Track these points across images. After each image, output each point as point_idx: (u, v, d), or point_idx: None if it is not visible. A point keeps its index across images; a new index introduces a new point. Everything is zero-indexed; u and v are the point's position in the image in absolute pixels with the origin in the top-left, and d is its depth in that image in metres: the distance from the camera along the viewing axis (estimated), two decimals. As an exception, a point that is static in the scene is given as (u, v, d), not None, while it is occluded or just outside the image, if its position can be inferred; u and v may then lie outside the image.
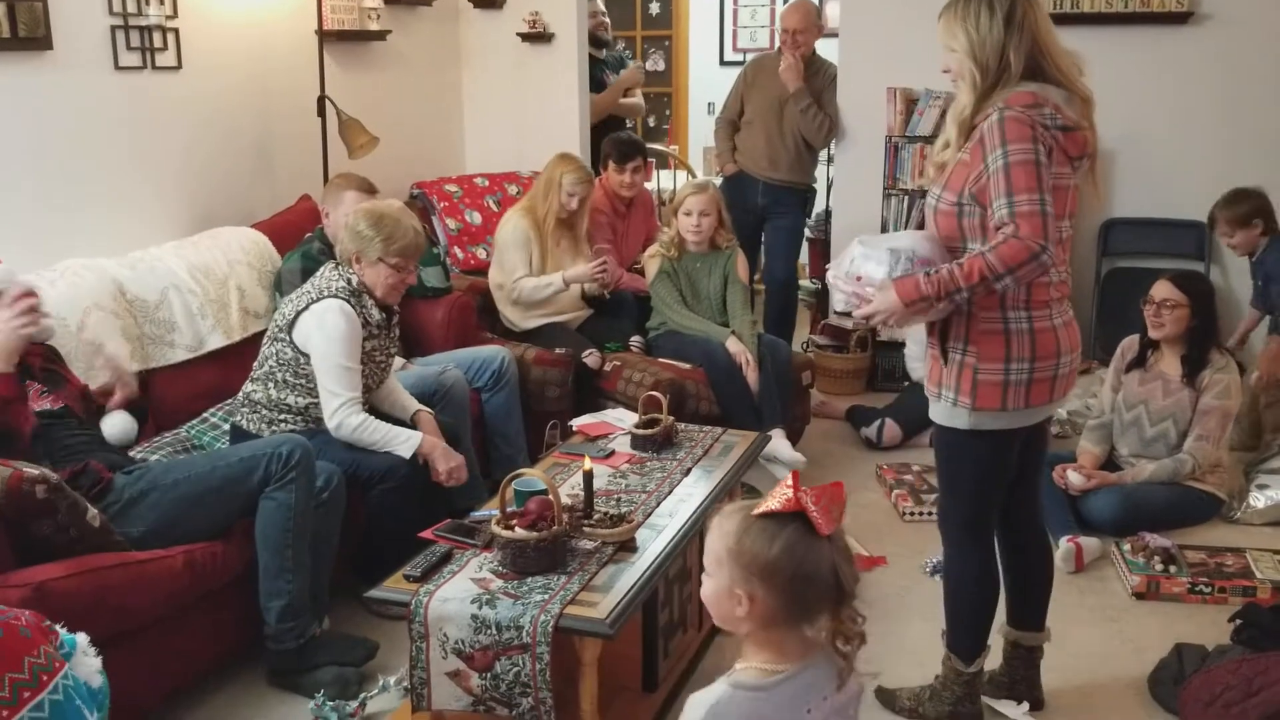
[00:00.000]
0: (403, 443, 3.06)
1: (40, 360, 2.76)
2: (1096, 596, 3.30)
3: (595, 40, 5.53)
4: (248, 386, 3.16)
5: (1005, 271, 2.18)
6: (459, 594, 2.33)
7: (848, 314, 2.46)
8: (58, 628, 1.65)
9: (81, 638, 1.67)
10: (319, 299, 3.03)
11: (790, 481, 1.52)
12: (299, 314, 3.04)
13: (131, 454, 2.95)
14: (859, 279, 2.33)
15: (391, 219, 3.09)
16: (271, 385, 3.09)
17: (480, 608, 2.28)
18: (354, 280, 3.08)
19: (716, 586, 1.55)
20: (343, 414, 2.99)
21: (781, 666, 1.54)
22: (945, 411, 2.42)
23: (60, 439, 2.69)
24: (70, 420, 2.76)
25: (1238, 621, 2.87)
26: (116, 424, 2.78)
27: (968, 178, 2.29)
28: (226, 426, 3.29)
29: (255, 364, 3.16)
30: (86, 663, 1.64)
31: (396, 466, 3.05)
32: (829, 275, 2.45)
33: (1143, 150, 4.88)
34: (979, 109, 2.29)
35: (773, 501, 1.52)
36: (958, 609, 2.58)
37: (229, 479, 2.72)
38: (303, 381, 3.07)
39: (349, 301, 3.03)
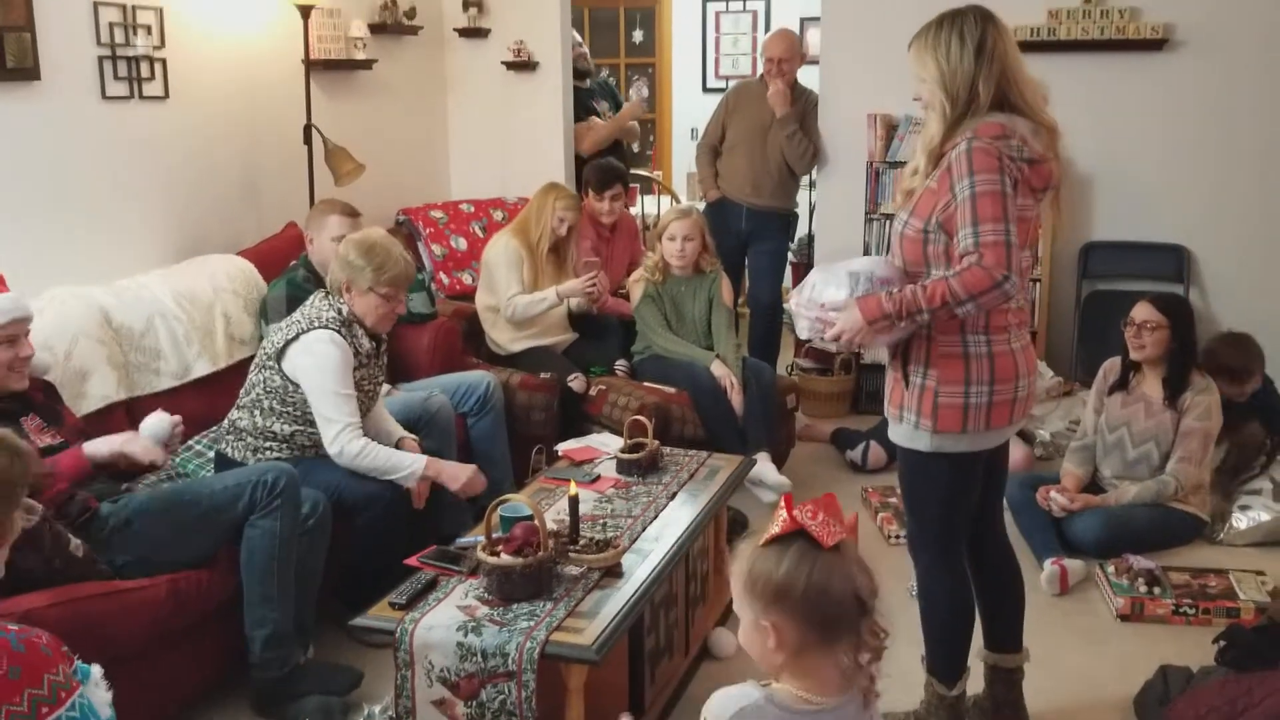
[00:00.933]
0: (406, 469, 3.05)
1: (41, 395, 2.77)
2: (1081, 618, 3.31)
3: (576, 72, 5.57)
4: (233, 414, 3.16)
5: (967, 298, 2.20)
6: (444, 621, 2.33)
7: (809, 340, 2.48)
8: (75, 655, 1.67)
9: (96, 669, 1.69)
10: (309, 329, 3.03)
11: (784, 505, 1.53)
12: (288, 343, 3.04)
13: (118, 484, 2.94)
14: (822, 305, 2.36)
15: (382, 249, 3.10)
16: (258, 413, 3.09)
17: (466, 635, 2.28)
18: (344, 310, 3.08)
19: (745, 626, 1.55)
20: (344, 439, 2.99)
21: (819, 699, 1.52)
22: (907, 434, 2.43)
23: None
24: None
25: (1222, 643, 2.89)
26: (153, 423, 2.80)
27: (935, 205, 2.31)
28: (212, 454, 3.28)
29: (242, 391, 3.16)
30: (99, 694, 1.66)
31: (381, 493, 3.04)
32: (791, 304, 2.47)
33: (1121, 174, 4.94)
34: (948, 138, 2.31)
35: (774, 527, 1.53)
36: (934, 632, 2.59)
37: (214, 507, 2.71)
38: (290, 409, 3.07)
39: (340, 331, 3.04)
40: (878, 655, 1.53)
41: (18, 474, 1.73)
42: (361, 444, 3.01)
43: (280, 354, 3.05)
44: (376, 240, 3.14)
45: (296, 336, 3.03)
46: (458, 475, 3.12)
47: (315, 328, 3.03)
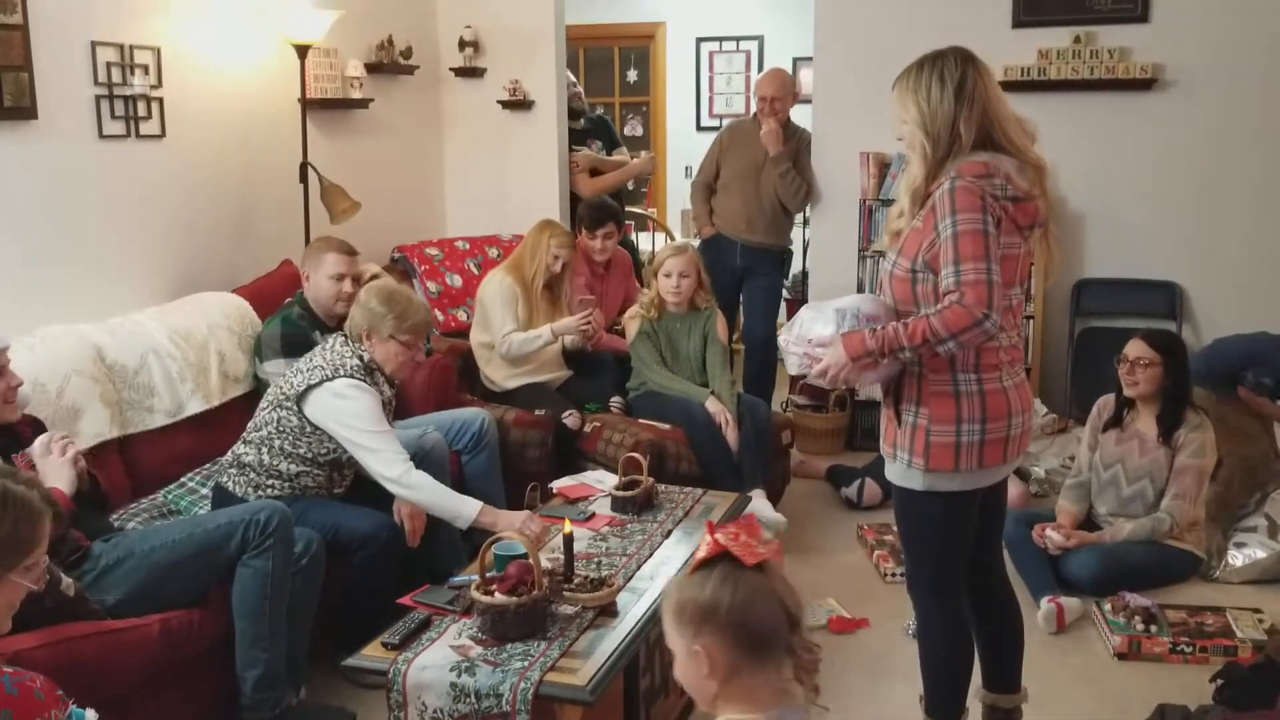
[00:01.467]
0: (460, 512, 3.01)
1: (29, 431, 2.76)
2: (1078, 657, 3.29)
3: (570, 111, 5.63)
4: (239, 448, 3.14)
5: (948, 336, 2.21)
6: (438, 661, 2.31)
7: (801, 377, 2.50)
8: (69, 700, 1.66)
9: (90, 714, 1.67)
10: (334, 376, 3.03)
11: (706, 531, 1.58)
12: (310, 388, 3.03)
13: (110, 520, 2.92)
14: (809, 341, 2.37)
15: (403, 296, 3.13)
16: (266, 451, 3.08)
17: (459, 675, 2.27)
18: (366, 357, 3.09)
19: (679, 659, 1.57)
20: (400, 465, 2.98)
21: (755, 715, 1.54)
22: (900, 472, 2.43)
23: None
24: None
25: (1219, 681, 2.88)
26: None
27: (921, 245, 2.32)
28: (205, 491, 3.27)
29: (250, 427, 3.15)
30: None
31: (377, 533, 3.03)
32: (780, 340, 2.49)
33: (1112, 212, 4.97)
34: (931, 179, 2.33)
35: (698, 553, 1.58)
36: (932, 673, 2.57)
37: (206, 546, 2.70)
38: (300, 451, 3.07)
39: (364, 380, 3.05)
40: (813, 669, 1.57)
41: (22, 536, 1.67)
42: (420, 475, 3.01)
43: (301, 397, 3.04)
44: (396, 289, 3.18)
45: (320, 382, 3.03)
46: (513, 522, 2.98)
47: (341, 375, 3.03)
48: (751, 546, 1.55)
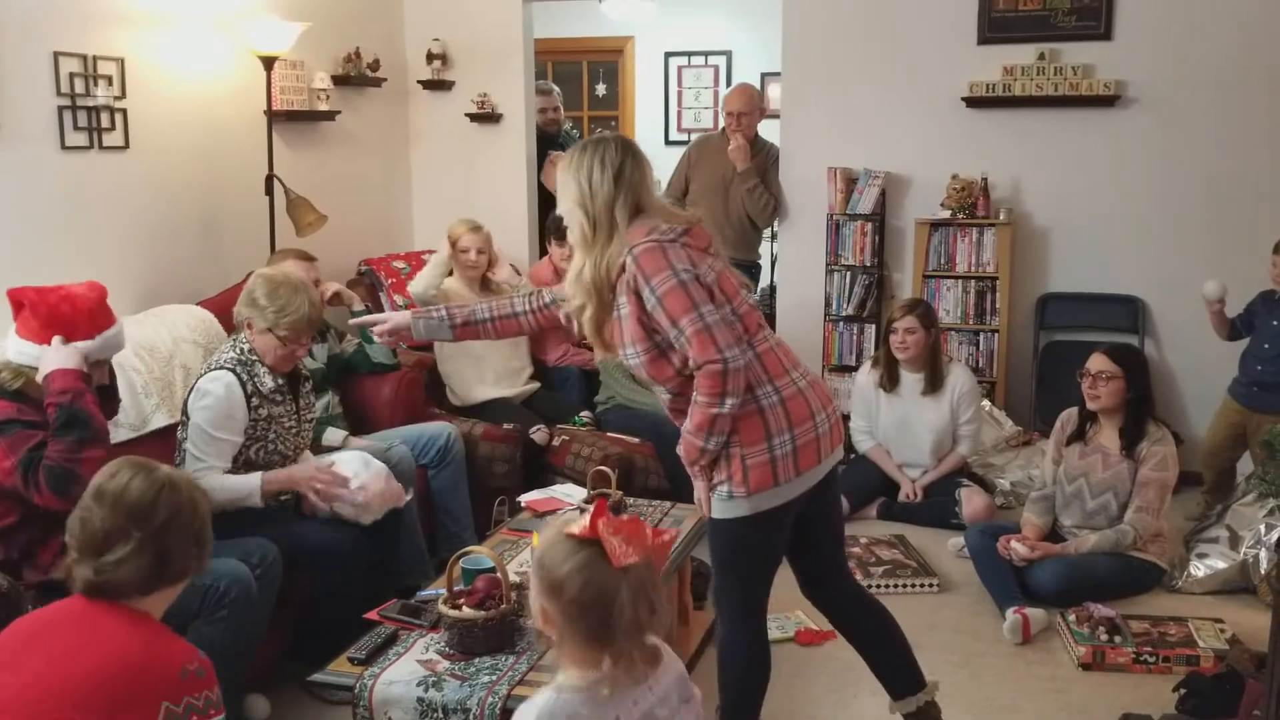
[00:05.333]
0: (246, 491, 2.94)
1: None
2: (1044, 667, 3.32)
3: (547, 135, 5.65)
4: (177, 462, 3.09)
5: (718, 398, 2.25)
6: (405, 676, 2.30)
7: None
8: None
9: None
10: (207, 371, 3.02)
11: (595, 509, 1.57)
12: (191, 389, 3.03)
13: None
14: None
15: (288, 290, 3.06)
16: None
17: (426, 690, 2.25)
18: (245, 348, 3.05)
19: (532, 593, 1.61)
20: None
21: (590, 674, 1.58)
22: (721, 505, 2.39)
23: None
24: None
25: (1182, 691, 2.91)
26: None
27: (644, 324, 2.33)
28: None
29: (175, 450, 3.09)
30: None
31: (336, 544, 2.99)
32: None
33: (1076, 227, 5.04)
34: (598, 265, 2.35)
35: (576, 526, 1.58)
36: (735, 691, 2.53)
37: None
38: None
39: (234, 370, 3.00)
40: (645, 675, 1.60)
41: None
42: (208, 482, 2.87)
43: (186, 402, 3.03)
44: (284, 281, 3.10)
45: (198, 380, 3.01)
46: (302, 474, 3.01)
47: (213, 369, 3.01)
48: (624, 548, 1.54)
